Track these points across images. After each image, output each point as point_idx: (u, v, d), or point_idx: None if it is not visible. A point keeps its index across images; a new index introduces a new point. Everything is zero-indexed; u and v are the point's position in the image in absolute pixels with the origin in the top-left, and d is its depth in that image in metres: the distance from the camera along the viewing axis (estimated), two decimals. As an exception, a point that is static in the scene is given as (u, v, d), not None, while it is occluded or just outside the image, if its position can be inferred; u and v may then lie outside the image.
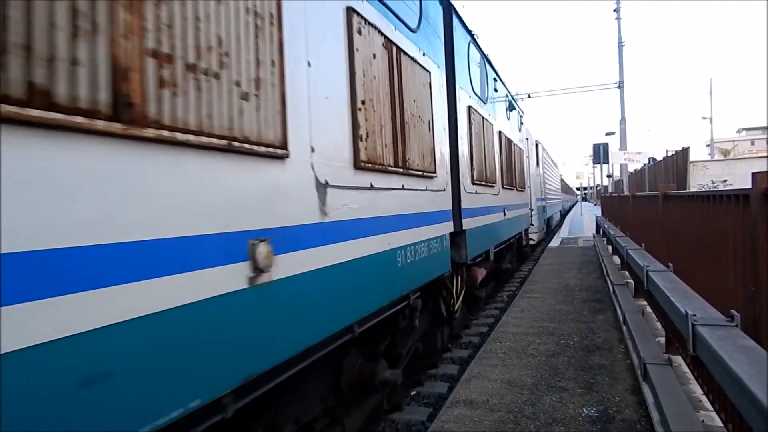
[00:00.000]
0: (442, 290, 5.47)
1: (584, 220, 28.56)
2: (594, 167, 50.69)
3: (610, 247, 11.54)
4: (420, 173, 4.12)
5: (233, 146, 1.89)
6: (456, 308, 5.75)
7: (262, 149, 2.07)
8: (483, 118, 7.12)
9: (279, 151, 2.19)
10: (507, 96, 10.26)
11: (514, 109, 11.04)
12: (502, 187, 8.37)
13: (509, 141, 9.60)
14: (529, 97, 30.42)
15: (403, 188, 3.74)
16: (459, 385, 4.66)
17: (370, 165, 3.15)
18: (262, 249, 2.01)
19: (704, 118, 51.65)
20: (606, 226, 12.72)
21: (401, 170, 3.69)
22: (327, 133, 2.67)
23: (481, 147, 6.82)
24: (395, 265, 3.55)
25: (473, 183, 6.20)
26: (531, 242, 14.26)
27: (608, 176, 36.09)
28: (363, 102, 3.12)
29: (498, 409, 4.03)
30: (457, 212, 5.40)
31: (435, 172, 4.55)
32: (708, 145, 49.19)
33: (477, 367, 5.07)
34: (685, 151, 16.52)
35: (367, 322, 3.24)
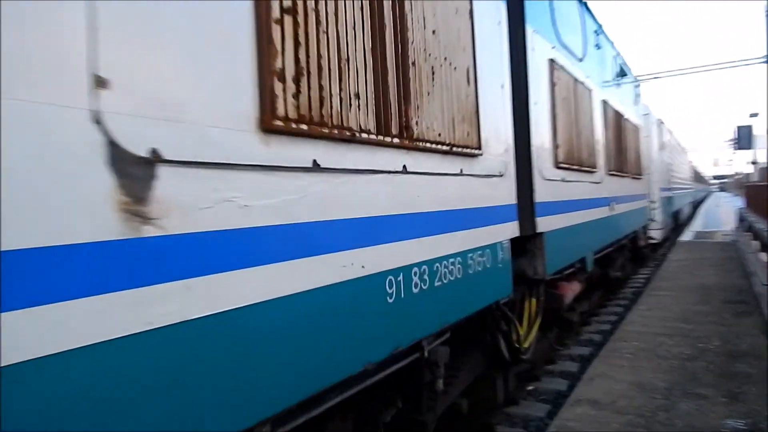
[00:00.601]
0: (501, 322, 3.97)
1: (721, 212, 25.65)
2: (734, 153, 45.16)
3: (756, 243, 10.27)
4: (446, 148, 2.84)
5: None
6: (526, 346, 4.28)
7: None
8: (575, 79, 5.44)
9: None
10: (616, 57, 8.02)
11: (626, 75, 8.68)
12: (608, 174, 6.74)
13: (618, 114, 7.62)
14: (657, 78, 27.62)
15: (404, 171, 2.50)
16: (581, 383, 4.47)
17: (306, 128, 1.88)
18: None
19: None
20: (752, 219, 11.32)
21: (398, 141, 2.43)
22: (162, 51, 1.45)
23: (572, 118, 5.22)
24: (381, 302, 2.30)
25: (557, 167, 4.71)
26: (652, 241, 11.84)
27: (752, 163, 31.98)
28: (290, 9, 1.82)
29: (626, 411, 3.79)
30: (527, 208, 4.01)
31: (479, 148, 3.22)
32: None
33: (600, 365, 4.81)
34: None
35: (304, 411, 1.99)
